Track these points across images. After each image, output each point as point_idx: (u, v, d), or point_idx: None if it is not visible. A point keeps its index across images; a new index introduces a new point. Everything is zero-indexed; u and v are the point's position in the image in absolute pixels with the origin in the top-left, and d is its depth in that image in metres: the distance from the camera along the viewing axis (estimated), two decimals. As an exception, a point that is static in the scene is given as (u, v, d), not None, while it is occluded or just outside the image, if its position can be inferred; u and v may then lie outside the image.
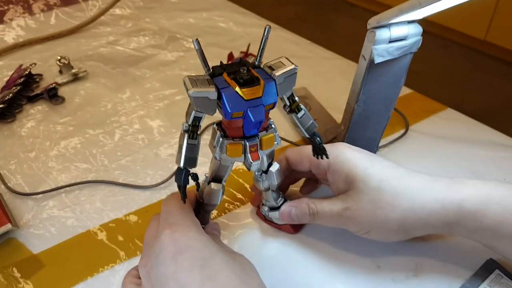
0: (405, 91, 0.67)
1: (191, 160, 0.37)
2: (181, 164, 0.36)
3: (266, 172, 0.42)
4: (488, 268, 0.44)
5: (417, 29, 0.44)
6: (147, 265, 0.36)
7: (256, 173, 0.43)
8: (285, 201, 0.46)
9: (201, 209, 0.43)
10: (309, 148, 0.44)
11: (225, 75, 0.35)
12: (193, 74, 0.35)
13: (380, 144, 0.57)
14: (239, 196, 0.51)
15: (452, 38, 2.24)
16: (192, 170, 0.38)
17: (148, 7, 0.91)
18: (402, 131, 0.60)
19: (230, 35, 0.82)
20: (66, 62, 0.69)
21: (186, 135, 0.36)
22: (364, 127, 0.51)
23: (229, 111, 0.33)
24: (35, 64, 0.69)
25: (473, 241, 0.42)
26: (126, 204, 0.50)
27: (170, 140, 0.58)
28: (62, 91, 0.66)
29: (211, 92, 0.33)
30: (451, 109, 0.65)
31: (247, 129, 0.35)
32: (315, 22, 2.37)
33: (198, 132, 0.36)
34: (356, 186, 0.42)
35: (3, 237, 0.46)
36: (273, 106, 0.36)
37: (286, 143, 0.59)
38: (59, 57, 0.69)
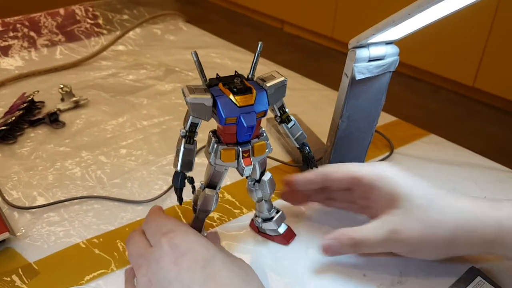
0: (390, 118, 0.71)
1: (188, 163, 0.39)
2: (178, 168, 0.39)
3: (258, 181, 0.45)
4: (471, 275, 0.45)
5: (394, 49, 0.48)
6: (148, 273, 0.37)
7: (249, 182, 0.45)
8: (277, 212, 0.48)
9: (195, 219, 0.45)
10: (350, 166, 0.45)
11: (220, 85, 0.38)
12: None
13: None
14: (231, 210, 0.53)
15: (442, 85, 2.31)
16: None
17: (148, 44, 0.96)
18: (387, 153, 0.63)
19: (226, 70, 0.85)
20: (68, 90, 0.72)
21: (183, 140, 0.39)
22: (349, 143, 0.53)
23: (223, 116, 0.36)
24: (38, 91, 0.72)
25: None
26: (119, 218, 0.52)
27: (163, 161, 0.61)
28: (63, 117, 0.69)
29: (207, 99, 0.37)
30: (435, 135, 0.68)
31: (240, 135, 0.38)
32: (309, 68, 2.44)
33: (195, 138, 0.39)
34: (402, 205, 0.42)
35: (1, 246, 0.47)
36: (264, 114, 0.39)
37: (277, 163, 0.61)
38: (61, 85, 0.72)
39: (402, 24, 0.42)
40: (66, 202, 0.53)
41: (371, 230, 0.42)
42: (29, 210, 0.52)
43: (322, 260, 0.47)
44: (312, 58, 2.57)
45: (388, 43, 0.48)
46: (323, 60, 2.56)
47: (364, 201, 0.47)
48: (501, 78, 2.06)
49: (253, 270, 0.39)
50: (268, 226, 0.48)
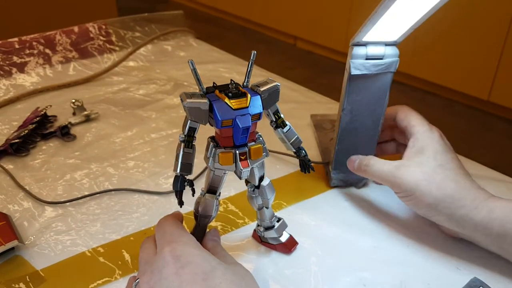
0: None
1: (187, 166, 0.40)
2: (178, 171, 0.40)
3: (258, 187, 0.46)
4: (472, 286, 0.45)
5: (394, 51, 0.50)
6: (150, 281, 0.38)
7: (249, 189, 0.46)
8: (279, 220, 0.49)
9: (197, 226, 0.46)
10: (414, 114, 0.53)
11: (216, 91, 0.40)
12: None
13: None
14: (234, 220, 0.54)
15: (456, 99, 2.30)
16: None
17: (159, 60, 0.98)
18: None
19: (234, 84, 0.87)
20: (80, 105, 0.74)
21: (182, 145, 0.40)
22: (354, 138, 0.55)
23: (220, 118, 0.38)
24: (51, 106, 0.74)
25: (462, 257, 0.47)
26: (125, 227, 0.53)
27: (169, 172, 0.62)
28: (74, 130, 0.71)
29: (203, 103, 0.38)
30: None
31: (237, 137, 0.40)
32: (322, 83, 2.45)
33: (193, 142, 0.41)
34: (420, 158, 0.49)
35: (10, 254, 0.49)
36: (259, 117, 0.40)
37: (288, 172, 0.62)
38: (73, 100, 0.74)
39: (391, 21, 0.44)
40: (72, 212, 0.55)
41: (384, 162, 0.51)
42: (38, 219, 0.54)
43: (323, 269, 0.47)
44: (325, 73, 2.58)
45: (388, 44, 0.50)
46: (336, 75, 2.57)
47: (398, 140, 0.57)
48: (516, 91, 2.04)
49: (253, 278, 0.40)
50: (270, 235, 0.49)
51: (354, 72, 0.50)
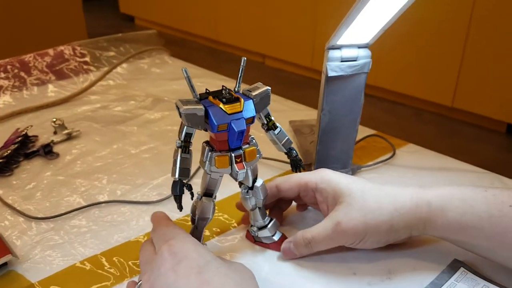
0: (370, 131, 0.74)
1: (185, 171, 0.42)
2: (176, 175, 0.42)
3: (251, 188, 0.47)
4: (454, 266, 0.48)
5: (366, 53, 0.54)
6: (150, 280, 0.39)
7: (243, 190, 0.48)
8: (271, 220, 0.51)
9: (195, 229, 0.47)
10: (297, 175, 0.50)
11: (210, 97, 0.42)
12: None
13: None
14: (225, 222, 0.55)
15: (424, 108, 2.38)
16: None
17: (136, 78, 0.99)
18: (389, 155, 0.68)
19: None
20: (61, 123, 0.75)
21: (179, 150, 0.42)
22: (334, 137, 0.59)
23: (215, 123, 0.40)
24: (32, 126, 0.75)
25: (444, 241, 0.47)
26: (116, 237, 0.54)
27: (154, 182, 0.63)
28: (57, 148, 0.72)
29: (199, 109, 0.40)
30: (412, 144, 0.72)
31: (232, 140, 0.41)
32: (292, 98, 2.50)
33: (190, 148, 0.42)
34: (343, 200, 0.47)
35: (3, 270, 0.49)
36: (252, 120, 0.42)
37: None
38: (54, 119, 0.75)
39: (362, 24, 0.48)
40: (67, 226, 0.55)
41: (320, 227, 0.47)
42: (28, 233, 0.54)
43: (314, 263, 0.49)
44: (295, 89, 2.63)
45: (361, 47, 0.53)
46: (305, 89, 2.63)
47: (314, 205, 0.52)
48: (478, 97, 2.14)
49: (252, 274, 0.41)
50: (263, 234, 0.50)
51: (331, 73, 0.53)
